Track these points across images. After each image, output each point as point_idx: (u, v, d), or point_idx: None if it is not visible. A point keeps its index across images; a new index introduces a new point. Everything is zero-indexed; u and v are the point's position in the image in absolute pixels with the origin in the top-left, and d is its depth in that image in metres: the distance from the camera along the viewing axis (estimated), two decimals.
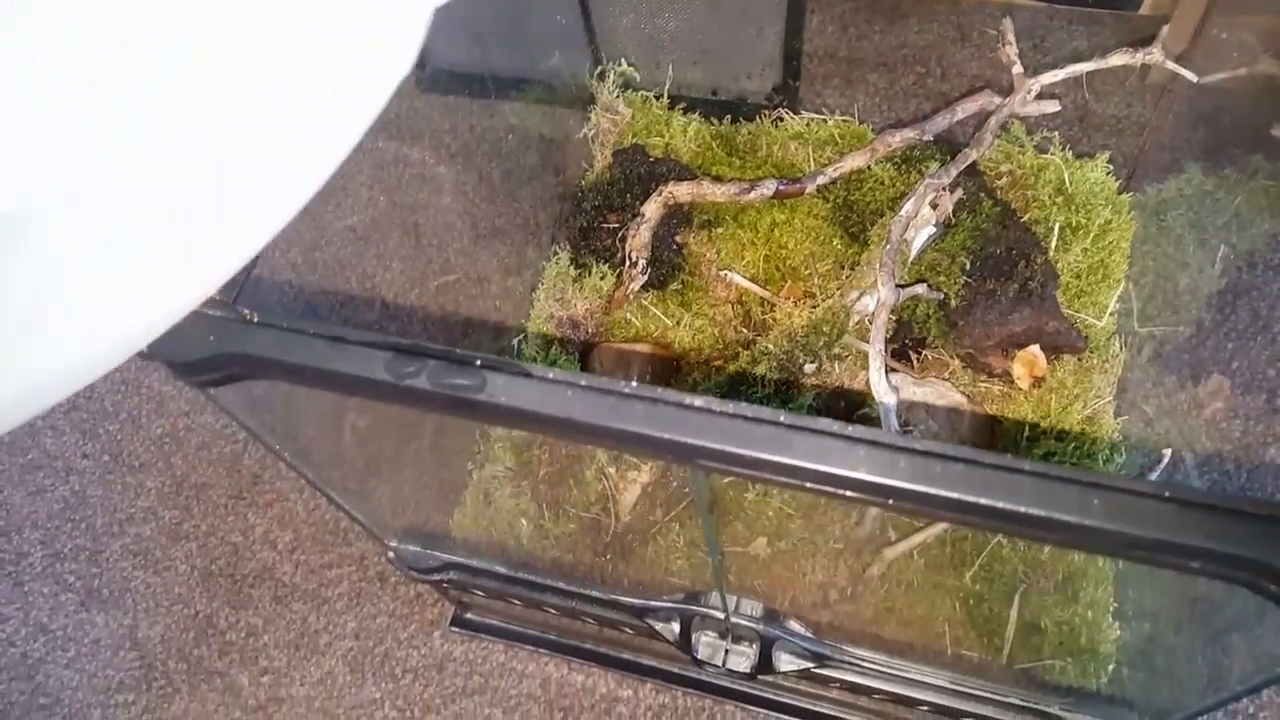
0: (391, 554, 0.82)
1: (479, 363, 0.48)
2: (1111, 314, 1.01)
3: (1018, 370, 0.98)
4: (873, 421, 0.94)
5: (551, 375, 0.47)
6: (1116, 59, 0.90)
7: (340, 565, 1.16)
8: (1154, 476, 0.80)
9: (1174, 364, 1.00)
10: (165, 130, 0.31)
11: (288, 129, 0.34)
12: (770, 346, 1.00)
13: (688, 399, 0.46)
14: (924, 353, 1.03)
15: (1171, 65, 0.88)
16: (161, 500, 1.23)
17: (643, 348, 1.08)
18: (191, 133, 0.32)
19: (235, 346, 0.50)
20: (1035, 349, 0.98)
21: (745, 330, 1.09)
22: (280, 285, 0.91)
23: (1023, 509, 0.40)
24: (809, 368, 0.99)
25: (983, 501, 0.40)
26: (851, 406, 1.00)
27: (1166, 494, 0.40)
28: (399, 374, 0.47)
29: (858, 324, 0.99)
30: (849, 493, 0.43)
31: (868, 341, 0.94)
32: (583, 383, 0.46)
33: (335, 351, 0.49)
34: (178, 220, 0.33)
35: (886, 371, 0.88)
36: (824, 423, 0.45)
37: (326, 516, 1.19)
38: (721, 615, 0.75)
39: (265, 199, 0.35)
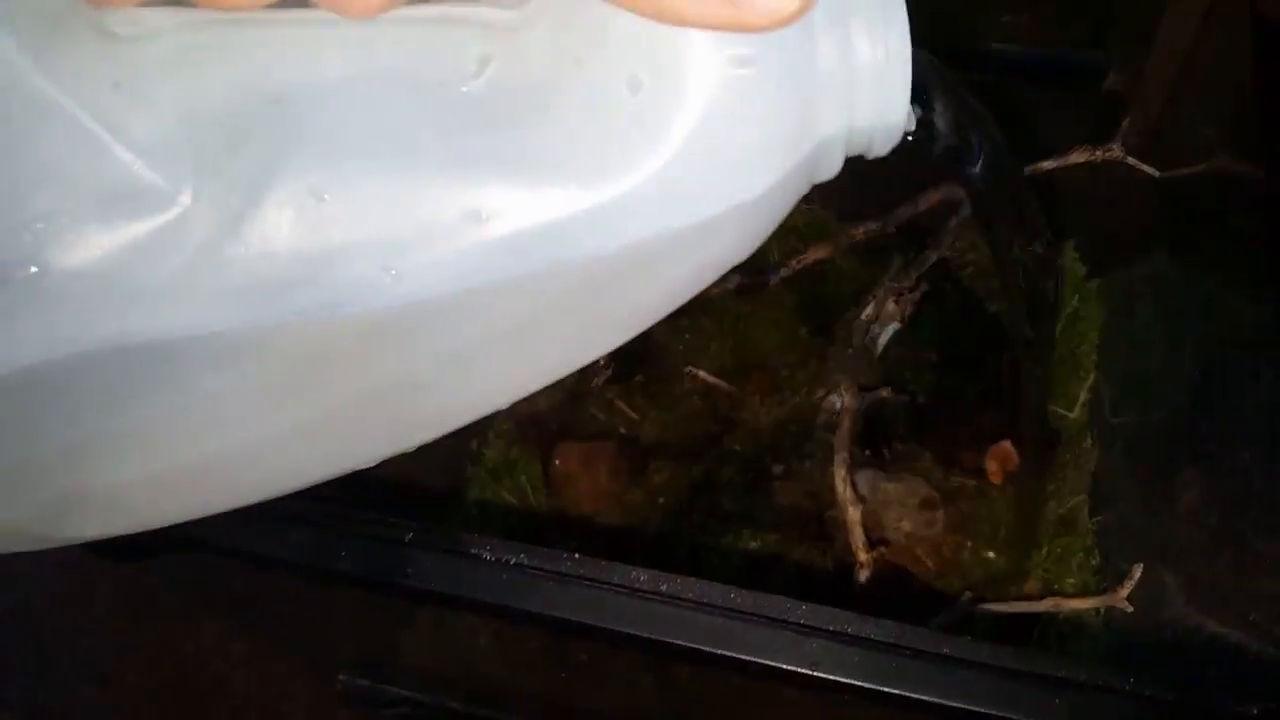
0: (339, 687, 0.78)
1: (409, 539, 0.45)
2: (1083, 405, 0.99)
3: (990, 466, 0.96)
4: (841, 527, 0.92)
5: (486, 553, 0.44)
6: (1076, 156, 0.89)
7: (297, 677, 1.11)
8: (1125, 592, 0.78)
9: (1147, 456, 0.98)
10: None
11: None
12: (737, 448, 0.98)
13: (634, 575, 0.43)
14: (895, 445, 1.01)
15: (1132, 161, 0.87)
16: (110, 612, 1.19)
17: (607, 445, 1.05)
18: None
19: (159, 531, 0.47)
20: (1007, 444, 0.96)
21: (713, 424, 1.06)
22: None
23: (975, 708, 0.37)
24: (777, 469, 0.96)
25: (941, 702, 0.37)
26: (820, 507, 0.97)
27: (1132, 689, 0.37)
28: (323, 556, 0.44)
29: (825, 422, 0.97)
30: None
31: (837, 427, 0.91)
32: (519, 561, 0.43)
33: (258, 529, 0.46)
34: None
35: (852, 482, 0.86)
36: (775, 605, 0.42)
37: (281, 624, 1.15)
38: None
39: None
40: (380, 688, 0.79)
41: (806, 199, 1.10)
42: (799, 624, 0.40)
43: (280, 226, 0.24)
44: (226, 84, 0.23)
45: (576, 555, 0.44)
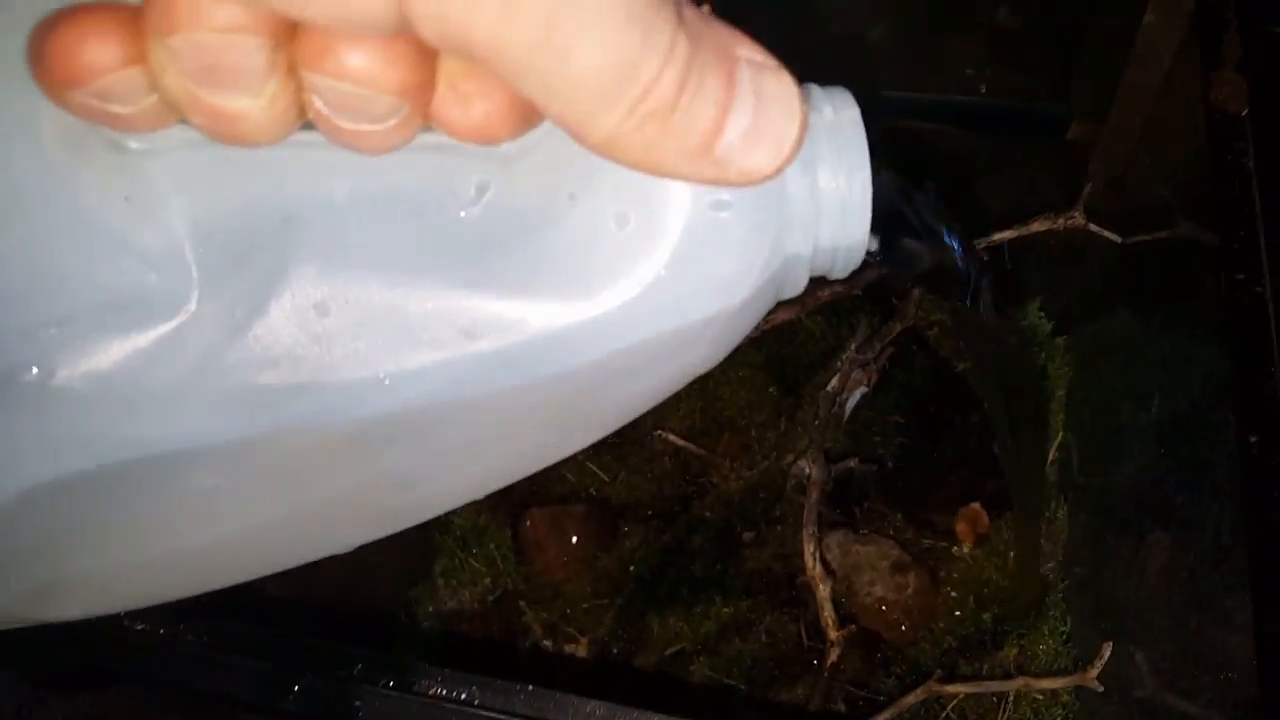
0: None
1: (359, 669, 0.44)
2: (1052, 464, 0.99)
3: (960, 528, 0.96)
4: (813, 593, 0.91)
5: (436, 688, 0.43)
6: (1037, 225, 0.90)
7: None
8: (1095, 672, 0.77)
9: (1117, 514, 0.98)
10: None
11: None
12: (707, 514, 0.97)
13: (589, 710, 0.42)
14: (867, 506, 1.00)
15: (1094, 228, 0.87)
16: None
17: (577, 509, 1.05)
18: None
19: (93, 658, 0.46)
20: (977, 506, 0.96)
21: (684, 484, 1.06)
22: None
23: None
24: (747, 536, 0.96)
25: None
26: (792, 571, 0.97)
27: None
28: (269, 694, 0.43)
29: (794, 485, 0.97)
30: None
31: (805, 500, 0.91)
32: (468, 696, 0.43)
33: (205, 665, 0.45)
34: None
35: (822, 554, 0.85)
36: None
37: None
38: None
39: None
40: None
41: None
42: None
43: (282, 336, 0.25)
44: (234, 199, 0.25)
45: (530, 688, 0.43)
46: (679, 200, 0.27)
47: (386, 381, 0.26)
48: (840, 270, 0.34)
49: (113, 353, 0.24)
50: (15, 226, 0.24)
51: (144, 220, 0.24)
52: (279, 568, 0.33)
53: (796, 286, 0.33)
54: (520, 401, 0.29)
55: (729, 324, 0.31)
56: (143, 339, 0.24)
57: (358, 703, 0.43)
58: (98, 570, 0.29)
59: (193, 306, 0.25)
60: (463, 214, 0.26)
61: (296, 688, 0.43)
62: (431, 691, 0.43)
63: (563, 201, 0.27)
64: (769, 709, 0.88)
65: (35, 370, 0.24)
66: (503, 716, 0.42)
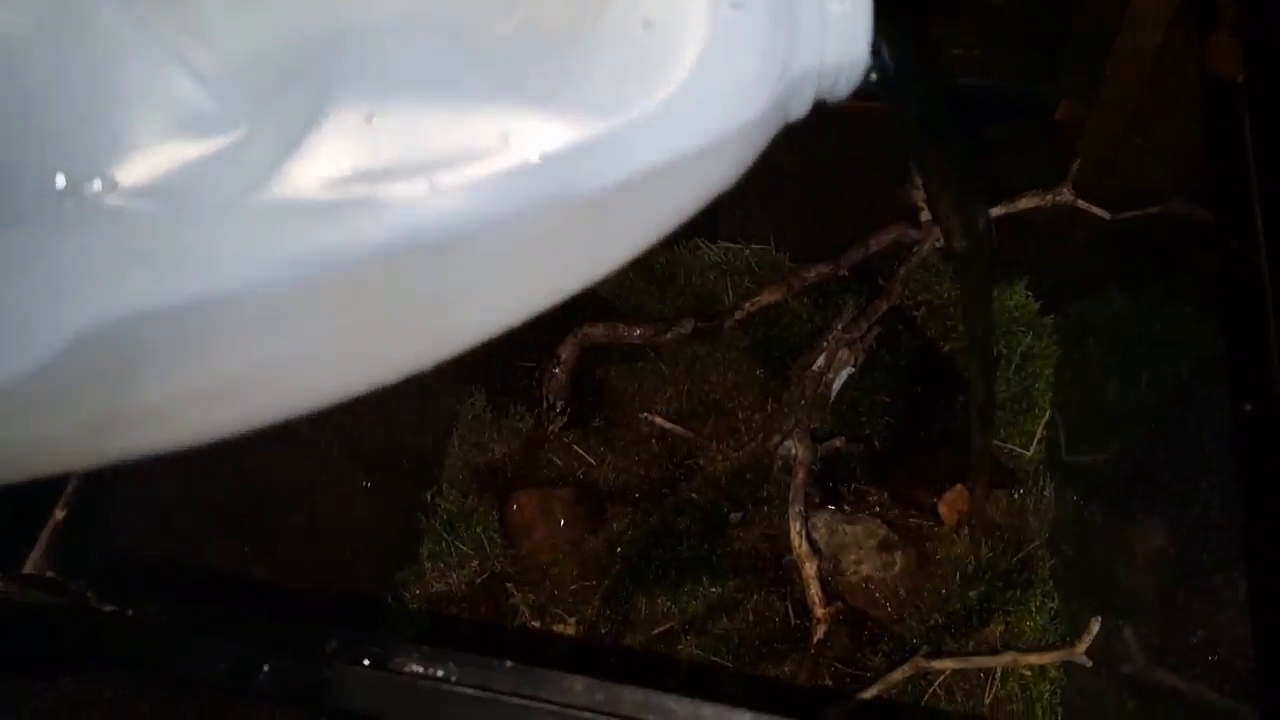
0: None
1: (333, 647, 0.43)
2: (1039, 443, 0.99)
3: (943, 510, 0.95)
4: (798, 573, 0.91)
5: (413, 665, 0.42)
6: (1026, 202, 0.89)
7: None
8: (1083, 647, 0.77)
9: (1104, 493, 0.98)
10: None
11: None
12: (694, 495, 0.96)
13: (567, 685, 0.42)
14: (854, 485, 1.00)
15: (1083, 204, 0.87)
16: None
17: (565, 491, 1.04)
18: None
19: (55, 643, 0.45)
20: (960, 487, 0.95)
21: (671, 467, 1.05)
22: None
23: None
24: (734, 516, 0.95)
25: None
26: (778, 551, 0.96)
27: None
28: (240, 676, 0.42)
29: (781, 466, 0.96)
30: None
31: (791, 480, 0.90)
32: (446, 673, 0.42)
33: (174, 647, 0.44)
34: None
35: (808, 532, 0.85)
36: (714, 716, 0.41)
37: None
38: None
39: None
40: None
41: (760, 240, 1.07)
42: None
43: (334, 151, 0.27)
44: (285, 19, 0.26)
45: (509, 664, 0.42)
46: (699, 1, 0.29)
47: (434, 189, 0.27)
48: (841, 89, 0.36)
49: (173, 168, 0.25)
50: (76, 46, 0.25)
51: (199, 39, 0.25)
52: (333, 397, 0.33)
53: (803, 106, 0.35)
54: (555, 215, 0.30)
55: (748, 136, 0.33)
56: (201, 154, 0.25)
57: (331, 681, 0.42)
58: (161, 400, 0.29)
59: (247, 123, 0.26)
60: (496, 29, 0.28)
61: (266, 667, 0.42)
62: (408, 669, 0.42)
63: (589, 11, 0.29)
64: (757, 686, 0.88)
65: (99, 184, 0.25)
66: (482, 693, 0.41)
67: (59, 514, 0.50)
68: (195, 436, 0.32)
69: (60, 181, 0.25)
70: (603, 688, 0.42)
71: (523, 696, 0.41)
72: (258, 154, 0.26)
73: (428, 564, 1.00)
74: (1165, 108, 0.95)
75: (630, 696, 0.41)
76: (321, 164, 0.26)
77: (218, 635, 0.44)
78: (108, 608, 0.46)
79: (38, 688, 1.12)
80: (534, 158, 0.28)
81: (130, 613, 0.45)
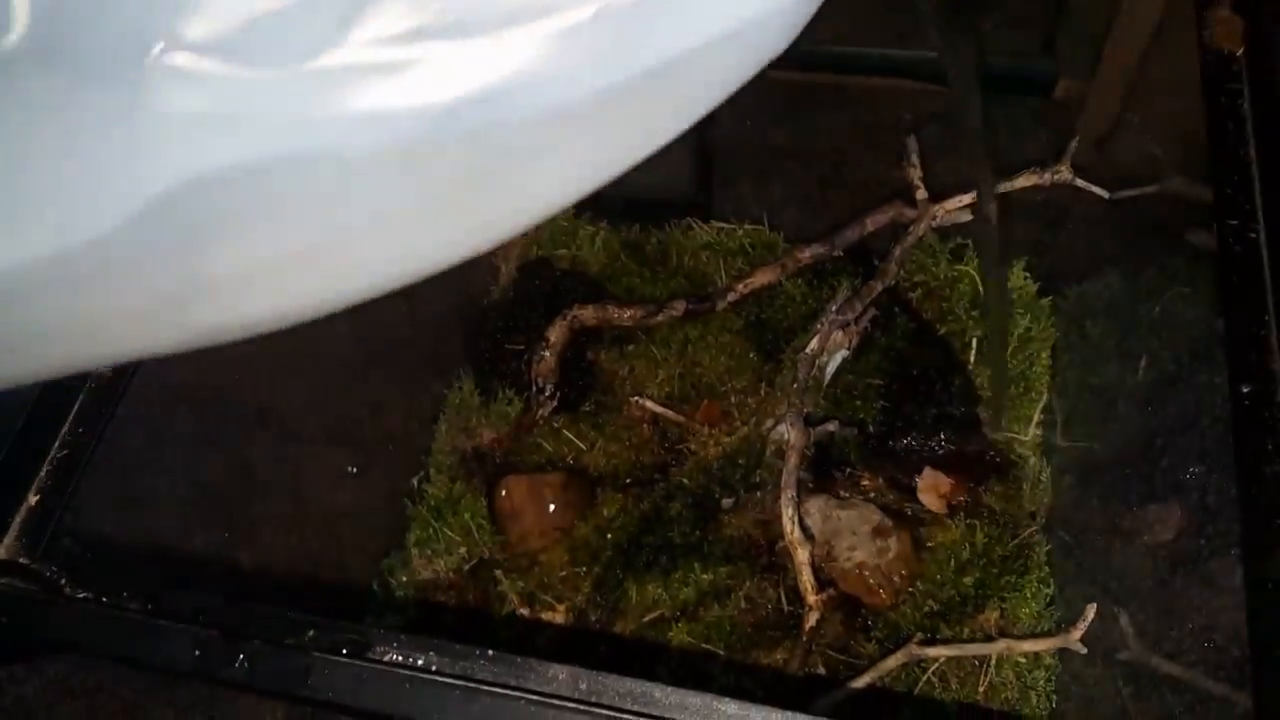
0: None
1: (311, 636, 0.42)
2: (1036, 427, 0.97)
3: (927, 498, 0.94)
4: (790, 559, 0.89)
5: (393, 654, 0.41)
6: (1024, 180, 0.87)
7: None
8: (1079, 634, 0.76)
9: (1101, 477, 0.97)
10: None
11: None
12: (685, 481, 0.95)
13: (551, 674, 0.40)
14: (848, 470, 0.99)
15: (1081, 183, 0.85)
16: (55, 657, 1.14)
17: (554, 477, 1.02)
18: None
19: (28, 629, 0.43)
20: (934, 473, 0.94)
21: (662, 452, 1.04)
22: (163, 434, 0.84)
23: None
24: (726, 502, 0.94)
25: None
26: (771, 537, 0.95)
27: None
28: (214, 663, 0.41)
29: (775, 450, 0.95)
30: None
31: (784, 465, 0.89)
32: (425, 662, 0.40)
33: (144, 634, 0.42)
34: None
35: (801, 518, 0.84)
36: (707, 706, 0.39)
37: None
38: None
39: None
40: None
41: (754, 220, 1.05)
42: None
43: (400, 6, 0.26)
44: None
45: (492, 653, 0.41)
46: None
47: (499, 49, 0.27)
48: None
49: (241, 27, 0.25)
50: None
51: None
52: (404, 274, 0.33)
53: None
54: (615, 79, 0.29)
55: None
56: (269, 11, 0.25)
57: (309, 671, 0.41)
58: (236, 268, 0.29)
59: None
60: None
61: (242, 656, 0.41)
62: (388, 658, 0.41)
63: None
64: (749, 673, 0.87)
65: (167, 44, 0.24)
66: (463, 683, 0.40)
67: (32, 499, 0.48)
68: (273, 313, 0.31)
69: (134, 41, 0.25)
70: (586, 676, 0.40)
71: (505, 686, 0.40)
72: (325, 12, 0.26)
73: (415, 551, 0.99)
74: (1164, 85, 0.94)
75: (614, 686, 0.40)
76: (388, 21, 0.26)
77: (192, 623, 0.42)
78: (81, 594, 0.44)
79: (15, 674, 1.11)
80: (590, 14, 0.28)
81: (104, 600, 0.44)
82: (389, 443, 1.03)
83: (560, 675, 0.40)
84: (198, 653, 0.41)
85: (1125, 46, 0.97)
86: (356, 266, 0.32)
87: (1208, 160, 0.53)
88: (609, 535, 0.97)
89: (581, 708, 0.39)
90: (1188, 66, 0.85)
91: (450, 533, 0.98)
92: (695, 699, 0.40)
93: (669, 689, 0.40)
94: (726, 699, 0.40)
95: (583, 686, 0.40)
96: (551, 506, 1.00)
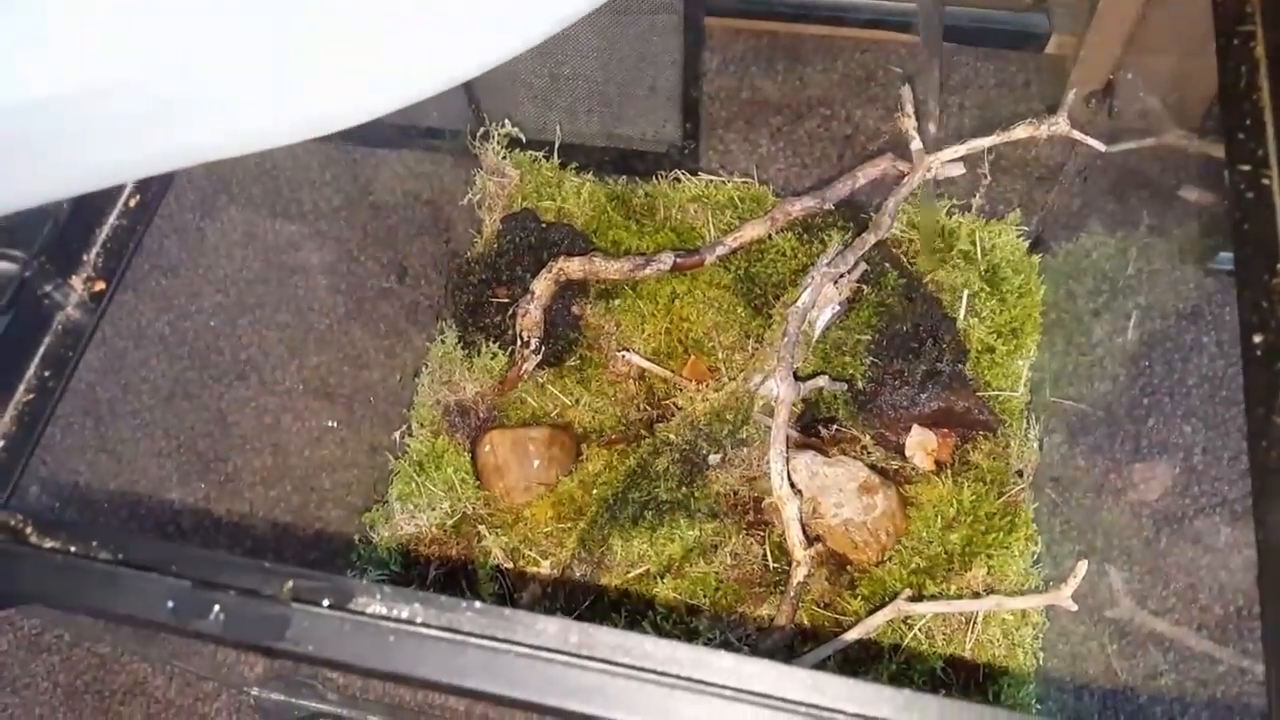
0: (253, 702, 0.74)
1: (289, 587, 0.40)
2: (1025, 384, 0.97)
3: (915, 456, 0.93)
4: (780, 511, 0.88)
5: (376, 606, 0.39)
6: (1020, 131, 0.86)
7: (218, 677, 1.06)
8: (1069, 591, 0.76)
9: (1089, 435, 0.96)
10: None
11: None
12: (672, 436, 0.94)
13: (540, 627, 0.39)
14: (836, 428, 0.98)
15: (1078, 135, 0.84)
16: (19, 609, 1.12)
17: (539, 432, 1.01)
18: None
19: (3, 583, 0.42)
20: (922, 430, 0.93)
21: (648, 408, 1.02)
22: (139, 385, 0.82)
23: None
24: (713, 458, 0.93)
25: None
26: (756, 496, 0.94)
27: None
28: (187, 614, 0.39)
29: (763, 406, 0.94)
30: None
31: (773, 420, 0.88)
32: (410, 614, 0.39)
33: (114, 584, 0.41)
34: None
35: (789, 474, 0.82)
36: (699, 661, 0.38)
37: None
38: None
39: None
40: (295, 702, 0.75)
41: (743, 173, 1.03)
42: (722, 685, 0.37)
43: None
44: None
45: (478, 604, 0.40)
46: None
47: None
48: None
49: None
50: None
51: None
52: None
53: None
54: None
55: None
56: None
57: (288, 622, 0.39)
58: None
59: None
60: None
61: (217, 607, 0.39)
62: (371, 610, 0.39)
63: None
64: (734, 628, 0.86)
65: None
66: (448, 635, 0.38)
67: None
68: None
69: None
70: (577, 630, 0.39)
71: (493, 639, 0.38)
72: None
73: (397, 505, 0.97)
74: (1161, 40, 0.92)
75: (605, 639, 0.39)
76: None
77: (164, 573, 0.41)
78: (49, 544, 0.43)
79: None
80: None
81: (72, 550, 0.42)
82: (370, 396, 1.01)
83: (550, 628, 0.39)
84: (170, 604, 0.40)
85: (1120, 1, 0.95)
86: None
87: (1219, 104, 0.51)
88: (594, 491, 0.95)
89: (573, 660, 0.37)
90: (1186, 20, 0.83)
91: (433, 487, 0.97)
92: (687, 652, 0.38)
93: (660, 642, 0.39)
94: (719, 651, 0.38)
95: (573, 639, 0.39)
96: (536, 462, 0.99)
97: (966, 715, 0.37)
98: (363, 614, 0.39)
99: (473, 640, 0.38)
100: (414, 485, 0.97)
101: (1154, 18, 0.90)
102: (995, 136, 0.86)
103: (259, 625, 0.39)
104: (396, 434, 1.01)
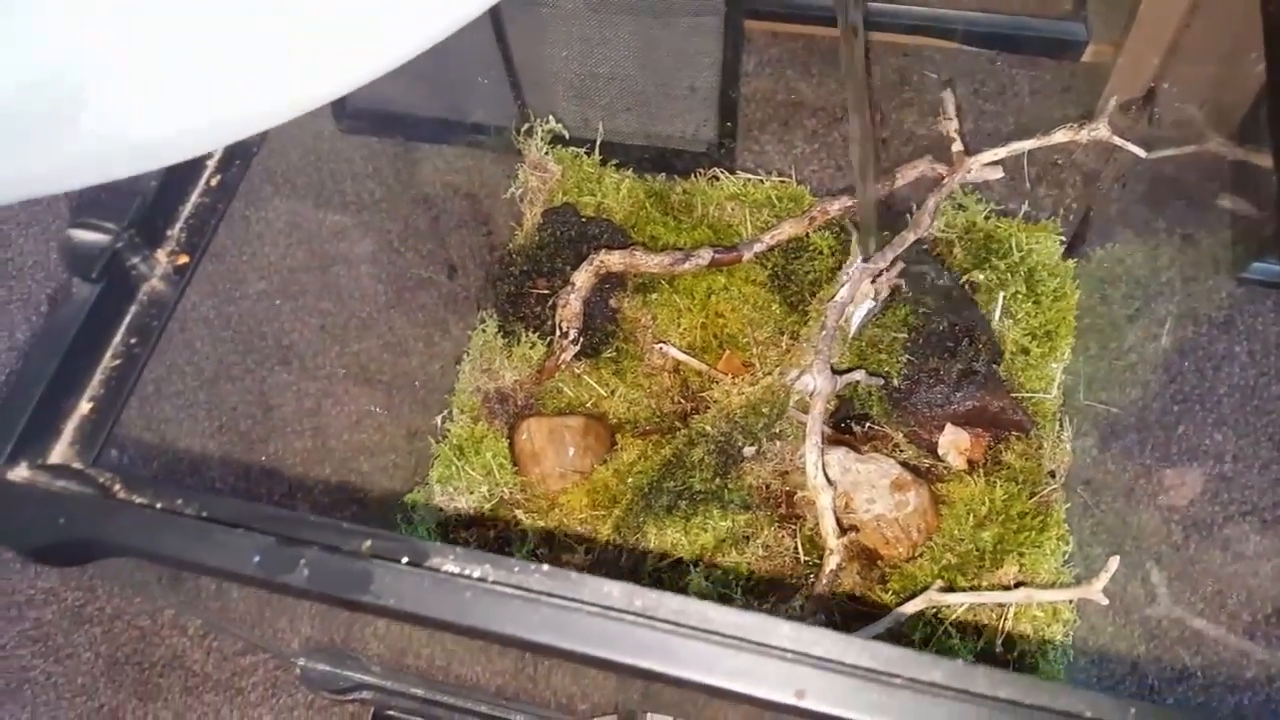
0: (299, 672, 0.76)
1: (368, 545, 0.42)
2: (1059, 386, 0.98)
3: (949, 454, 0.95)
4: (812, 508, 0.90)
5: (449, 565, 0.41)
6: (1060, 135, 0.87)
7: (255, 653, 1.09)
8: (1100, 585, 0.77)
9: (1121, 439, 0.97)
10: None
11: None
12: (707, 428, 0.95)
13: (606, 590, 0.41)
14: (868, 425, 0.99)
15: (1118, 141, 0.85)
16: (63, 581, 1.15)
17: (575, 421, 1.03)
18: None
19: (87, 531, 0.44)
20: (956, 429, 0.95)
21: (683, 401, 1.04)
22: (185, 366, 0.84)
23: None
24: (748, 450, 0.95)
25: None
26: (791, 487, 0.96)
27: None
28: (273, 568, 0.41)
29: (798, 402, 0.95)
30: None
31: (809, 410, 0.90)
32: (483, 574, 0.41)
33: (203, 538, 0.43)
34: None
35: (824, 464, 0.84)
36: (757, 625, 0.40)
37: (240, 600, 1.12)
38: None
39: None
40: (339, 673, 0.77)
41: (781, 170, 1.05)
42: (782, 648, 0.38)
43: None
44: None
45: (545, 568, 0.42)
46: None
47: None
48: None
49: None
50: None
51: None
52: None
53: None
54: None
55: None
56: None
57: (370, 577, 0.41)
58: None
59: None
60: None
61: (303, 561, 0.41)
62: (445, 569, 0.41)
63: None
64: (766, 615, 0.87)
65: None
66: (519, 592, 0.40)
67: (85, 406, 0.49)
68: None
69: None
70: (641, 594, 0.41)
71: (564, 598, 0.40)
72: None
73: (436, 487, 0.99)
74: (1200, 49, 0.93)
75: (668, 603, 0.41)
76: None
77: (250, 530, 0.43)
78: (136, 499, 0.45)
79: (33, 599, 1.12)
80: None
81: (160, 506, 0.44)
82: (413, 381, 1.04)
83: (614, 591, 0.41)
84: (257, 558, 0.42)
85: (1159, 8, 0.97)
86: None
87: (1268, 111, 0.52)
88: (629, 479, 0.97)
89: (640, 619, 0.39)
90: (1229, 28, 0.84)
91: (472, 471, 0.99)
92: (751, 619, 0.40)
93: (724, 608, 0.40)
94: (779, 619, 0.40)
95: (638, 603, 0.40)
96: (571, 450, 1.01)
97: (1013, 685, 0.38)
98: (440, 571, 0.41)
99: (544, 599, 0.40)
100: (454, 469, 0.99)
101: (1196, 26, 0.91)
102: (1035, 140, 0.87)
103: (343, 580, 0.41)
104: (438, 419, 1.04)
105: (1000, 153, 0.89)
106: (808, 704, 0.37)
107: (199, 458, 0.86)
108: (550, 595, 0.40)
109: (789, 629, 0.40)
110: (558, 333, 1.03)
